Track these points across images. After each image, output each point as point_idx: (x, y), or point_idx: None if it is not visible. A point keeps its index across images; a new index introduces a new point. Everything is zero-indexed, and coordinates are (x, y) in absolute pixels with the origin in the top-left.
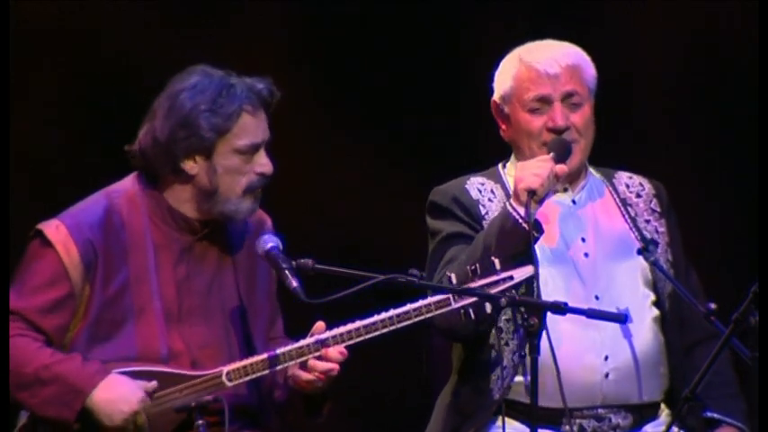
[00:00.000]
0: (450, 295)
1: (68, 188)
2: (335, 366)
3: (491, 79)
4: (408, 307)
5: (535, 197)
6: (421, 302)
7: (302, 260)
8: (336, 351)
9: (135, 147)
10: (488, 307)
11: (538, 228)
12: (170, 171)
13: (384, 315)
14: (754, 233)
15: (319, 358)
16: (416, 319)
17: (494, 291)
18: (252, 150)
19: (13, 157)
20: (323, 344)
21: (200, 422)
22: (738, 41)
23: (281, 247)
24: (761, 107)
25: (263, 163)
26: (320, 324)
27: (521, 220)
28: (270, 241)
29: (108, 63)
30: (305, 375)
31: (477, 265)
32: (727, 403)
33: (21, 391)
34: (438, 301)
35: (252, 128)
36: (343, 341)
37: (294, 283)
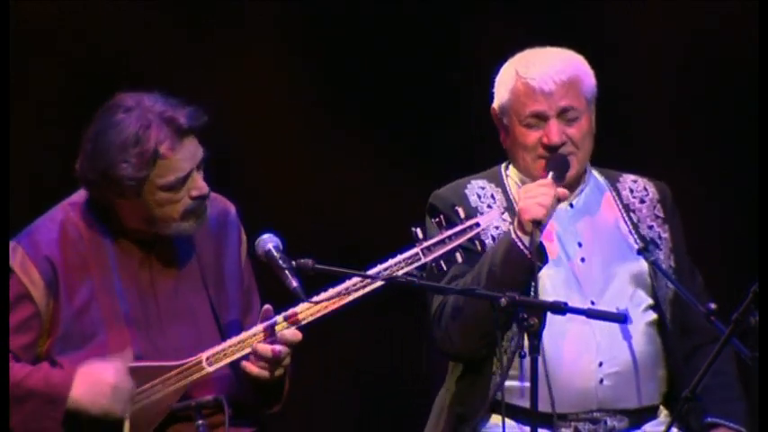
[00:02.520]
0: (420, 250)
1: (68, 188)
2: (286, 349)
3: (490, 79)
4: (378, 268)
5: (539, 226)
6: (390, 261)
7: (302, 260)
8: (291, 333)
9: (76, 173)
10: (459, 257)
11: (543, 256)
12: (108, 205)
13: (348, 283)
14: (754, 233)
15: (273, 342)
16: (381, 282)
17: (462, 239)
18: (179, 184)
19: (13, 157)
20: (298, 319)
21: (201, 422)
22: (738, 41)
23: (281, 246)
24: (761, 107)
25: (196, 187)
26: (267, 307)
27: (526, 251)
28: (270, 241)
29: (108, 63)
30: (256, 362)
31: (440, 218)
32: (728, 406)
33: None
34: (407, 258)
35: (173, 165)
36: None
37: (294, 283)
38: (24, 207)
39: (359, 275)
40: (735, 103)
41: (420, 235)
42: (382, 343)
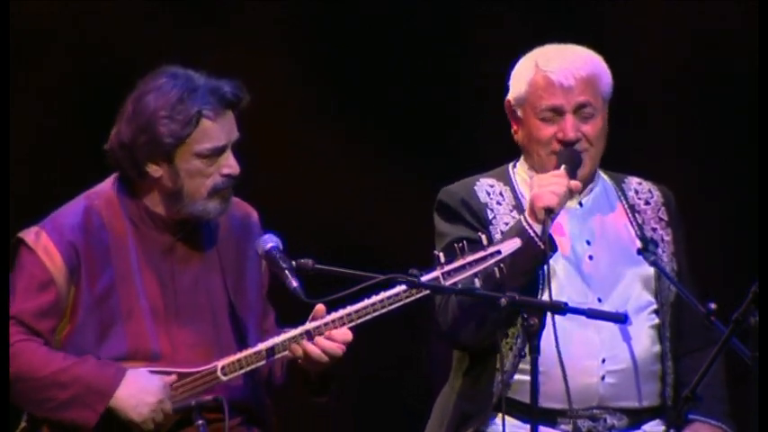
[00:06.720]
0: (440, 274)
1: (68, 188)
2: (342, 347)
3: (492, 80)
4: (398, 289)
5: (551, 214)
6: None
7: (302, 260)
8: (342, 333)
9: (107, 147)
10: (477, 282)
11: (552, 245)
12: (136, 174)
13: (375, 298)
14: (755, 233)
15: (327, 338)
16: (407, 300)
17: (482, 266)
18: (214, 154)
19: (13, 157)
20: (317, 331)
21: (200, 422)
22: (738, 41)
23: (281, 246)
24: (761, 108)
25: (228, 164)
26: (320, 307)
27: (537, 239)
28: (270, 241)
29: (107, 63)
30: (309, 347)
31: (463, 244)
32: (709, 404)
33: (37, 394)
34: (429, 280)
35: (213, 132)
36: (335, 327)
37: (294, 283)
38: (24, 207)
39: (359, 275)
40: (735, 103)
41: (442, 259)
42: (383, 343)
